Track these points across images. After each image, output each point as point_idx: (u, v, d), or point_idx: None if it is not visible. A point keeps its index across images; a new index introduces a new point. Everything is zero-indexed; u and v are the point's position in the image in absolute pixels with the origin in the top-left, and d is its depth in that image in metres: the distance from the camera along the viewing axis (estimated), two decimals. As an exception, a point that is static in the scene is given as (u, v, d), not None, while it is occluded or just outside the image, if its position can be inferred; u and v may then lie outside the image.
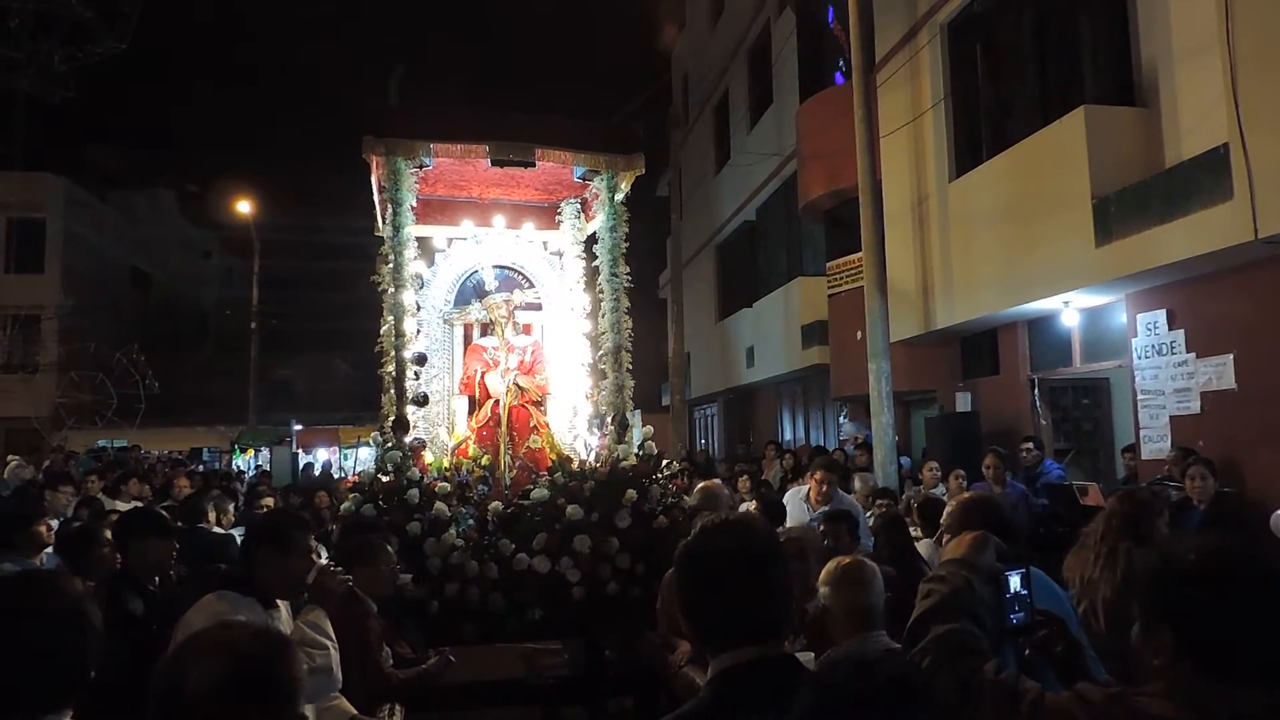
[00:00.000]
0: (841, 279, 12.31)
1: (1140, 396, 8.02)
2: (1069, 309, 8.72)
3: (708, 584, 1.65)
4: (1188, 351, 7.49)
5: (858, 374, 10.37)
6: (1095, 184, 7.51)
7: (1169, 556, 1.53)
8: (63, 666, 1.66)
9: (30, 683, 1.62)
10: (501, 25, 58.31)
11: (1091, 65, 8.42)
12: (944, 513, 2.82)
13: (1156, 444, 7.81)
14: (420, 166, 5.76)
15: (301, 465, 18.39)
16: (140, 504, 7.68)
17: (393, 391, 5.49)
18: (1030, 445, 8.26)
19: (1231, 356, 7.09)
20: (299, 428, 21.72)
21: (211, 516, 6.44)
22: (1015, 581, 1.92)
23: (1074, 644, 2.01)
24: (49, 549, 4.58)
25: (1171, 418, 7.65)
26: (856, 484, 7.82)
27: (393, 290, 5.58)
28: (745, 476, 10.08)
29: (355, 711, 3.00)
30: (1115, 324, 8.63)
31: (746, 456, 13.87)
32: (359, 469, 16.65)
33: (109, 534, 4.01)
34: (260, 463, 19.10)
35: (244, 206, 25.37)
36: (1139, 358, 8.00)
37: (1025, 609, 1.92)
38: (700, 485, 5.69)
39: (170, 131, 52.07)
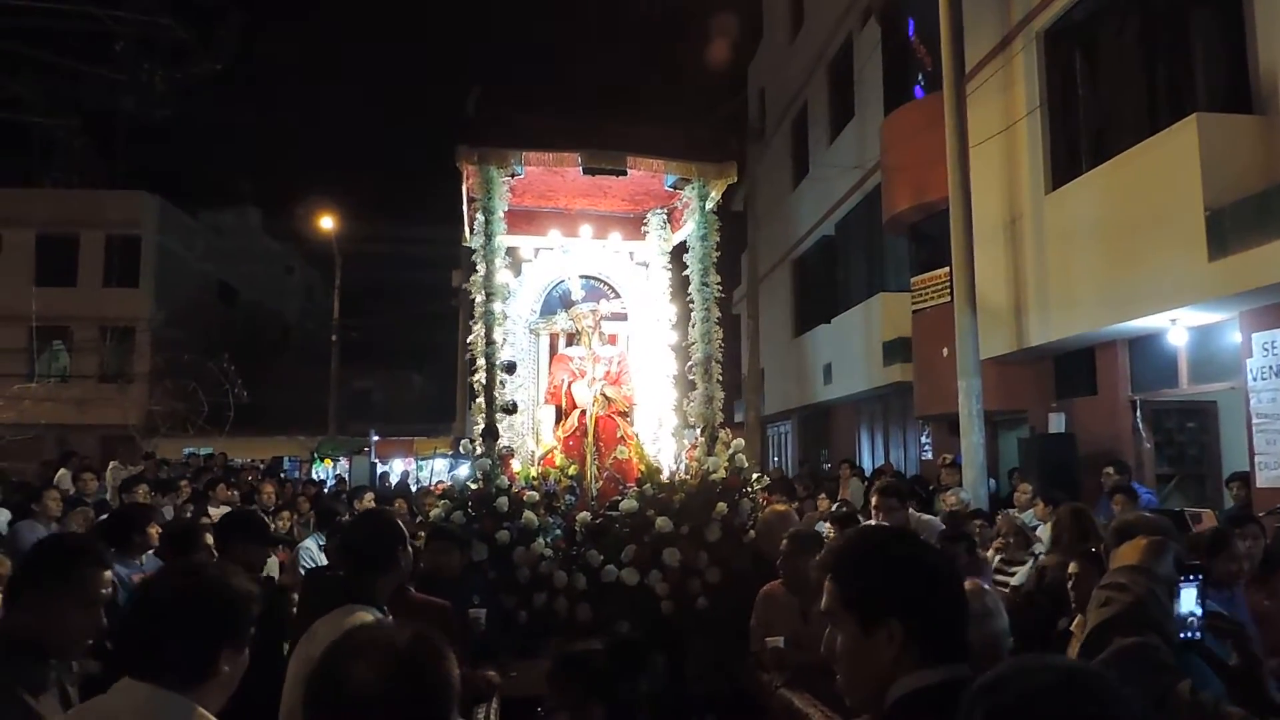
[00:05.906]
0: (927, 294, 11.98)
1: (1256, 420, 7.56)
2: (1176, 327, 8.29)
3: (935, 585, 1.44)
4: (1310, 372, 7.05)
5: (943, 392, 10.05)
6: (1208, 195, 7.13)
7: None
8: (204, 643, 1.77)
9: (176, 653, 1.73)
10: (576, 42, 59.13)
11: (1204, 71, 8.03)
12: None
13: (1274, 470, 7.35)
14: (512, 175, 5.76)
15: (379, 475, 18.70)
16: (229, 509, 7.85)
17: (482, 399, 5.46)
18: (1110, 470, 7.87)
19: (1360, 378, 6.65)
20: (377, 438, 22.09)
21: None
22: (1190, 595, 1.73)
23: (1252, 657, 1.80)
24: (150, 550, 4.65)
25: (1291, 442, 7.20)
26: (950, 499, 7.53)
27: (483, 298, 5.57)
28: (824, 495, 9.85)
29: None
30: (1226, 343, 8.17)
31: (823, 475, 13.58)
32: (437, 479, 16.87)
33: (209, 538, 4.05)
34: (339, 471, 19.45)
35: (326, 223, 26.03)
36: (1254, 379, 7.55)
37: (1199, 624, 1.74)
38: (767, 511, 5.36)
39: (256, 149, 53.90)
